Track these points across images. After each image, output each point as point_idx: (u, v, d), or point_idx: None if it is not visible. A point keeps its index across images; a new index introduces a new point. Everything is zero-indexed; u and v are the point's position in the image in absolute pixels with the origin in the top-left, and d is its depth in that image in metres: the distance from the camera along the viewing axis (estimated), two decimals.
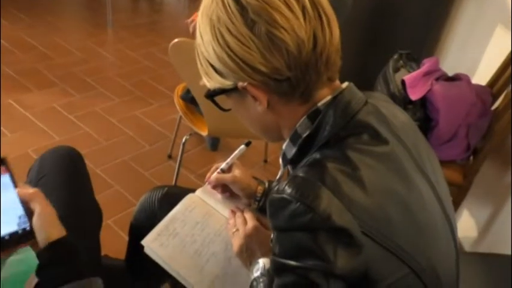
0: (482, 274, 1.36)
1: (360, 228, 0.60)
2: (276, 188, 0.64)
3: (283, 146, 0.76)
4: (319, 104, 0.70)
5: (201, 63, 0.73)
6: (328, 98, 0.70)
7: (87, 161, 1.24)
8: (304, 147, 0.72)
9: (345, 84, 0.73)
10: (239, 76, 0.67)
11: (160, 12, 4.22)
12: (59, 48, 3.16)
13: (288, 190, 0.62)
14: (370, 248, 0.61)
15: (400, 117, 0.78)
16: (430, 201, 0.72)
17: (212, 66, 0.70)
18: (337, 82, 0.74)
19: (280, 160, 0.78)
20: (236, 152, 1.07)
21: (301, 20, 0.64)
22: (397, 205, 0.66)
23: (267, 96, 0.69)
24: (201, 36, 0.69)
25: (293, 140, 0.73)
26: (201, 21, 0.69)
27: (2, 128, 2.30)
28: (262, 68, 0.65)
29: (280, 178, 0.85)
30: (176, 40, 1.53)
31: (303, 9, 0.64)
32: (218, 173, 1.08)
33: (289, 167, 0.77)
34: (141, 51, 3.30)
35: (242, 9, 0.63)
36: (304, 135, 0.71)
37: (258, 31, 0.63)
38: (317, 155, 0.67)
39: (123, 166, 2.20)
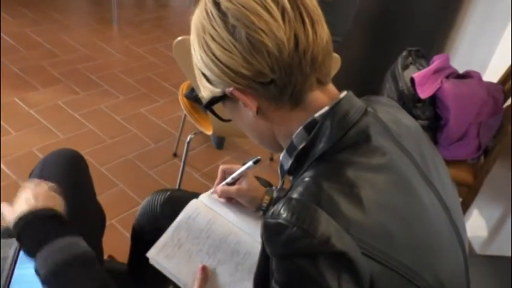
0: (492, 277, 1.34)
1: (360, 250, 0.58)
2: (270, 212, 0.62)
3: (280, 157, 0.74)
4: (316, 115, 0.68)
5: (197, 74, 0.74)
6: (326, 108, 0.68)
7: (91, 160, 1.23)
8: (300, 158, 0.70)
9: (343, 94, 0.70)
10: (225, 82, 0.67)
11: (165, 7, 4.19)
12: (64, 45, 3.14)
13: (284, 214, 0.59)
14: (371, 268, 0.59)
15: (405, 123, 0.75)
16: (434, 212, 0.70)
17: (204, 75, 0.70)
18: (334, 90, 0.72)
19: (279, 171, 0.76)
20: (243, 168, 1.05)
21: (280, 21, 0.63)
22: (398, 220, 0.63)
23: (256, 101, 0.68)
24: (193, 47, 0.70)
25: (289, 152, 0.72)
26: (192, 31, 0.70)
27: (7, 126, 2.29)
28: (245, 72, 0.64)
29: (281, 188, 0.83)
30: (180, 38, 1.51)
31: (283, 11, 0.64)
32: (223, 185, 1.07)
33: (290, 177, 0.75)
34: (146, 48, 3.28)
35: (223, 15, 0.64)
36: (300, 147, 0.69)
37: (238, 35, 0.63)
38: (312, 172, 0.65)
39: (127, 164, 2.18)
